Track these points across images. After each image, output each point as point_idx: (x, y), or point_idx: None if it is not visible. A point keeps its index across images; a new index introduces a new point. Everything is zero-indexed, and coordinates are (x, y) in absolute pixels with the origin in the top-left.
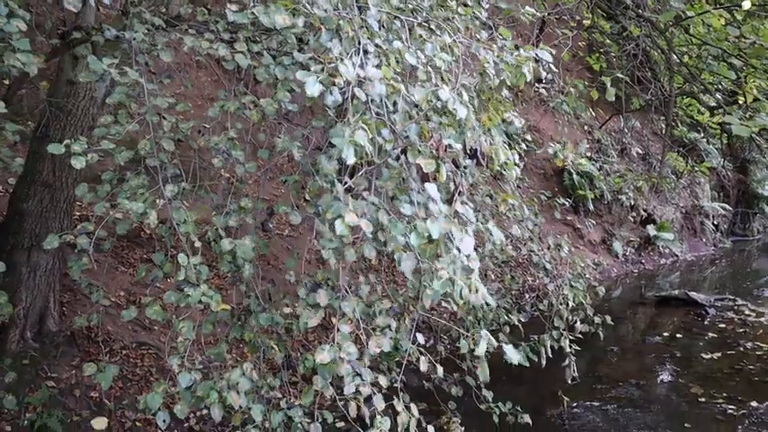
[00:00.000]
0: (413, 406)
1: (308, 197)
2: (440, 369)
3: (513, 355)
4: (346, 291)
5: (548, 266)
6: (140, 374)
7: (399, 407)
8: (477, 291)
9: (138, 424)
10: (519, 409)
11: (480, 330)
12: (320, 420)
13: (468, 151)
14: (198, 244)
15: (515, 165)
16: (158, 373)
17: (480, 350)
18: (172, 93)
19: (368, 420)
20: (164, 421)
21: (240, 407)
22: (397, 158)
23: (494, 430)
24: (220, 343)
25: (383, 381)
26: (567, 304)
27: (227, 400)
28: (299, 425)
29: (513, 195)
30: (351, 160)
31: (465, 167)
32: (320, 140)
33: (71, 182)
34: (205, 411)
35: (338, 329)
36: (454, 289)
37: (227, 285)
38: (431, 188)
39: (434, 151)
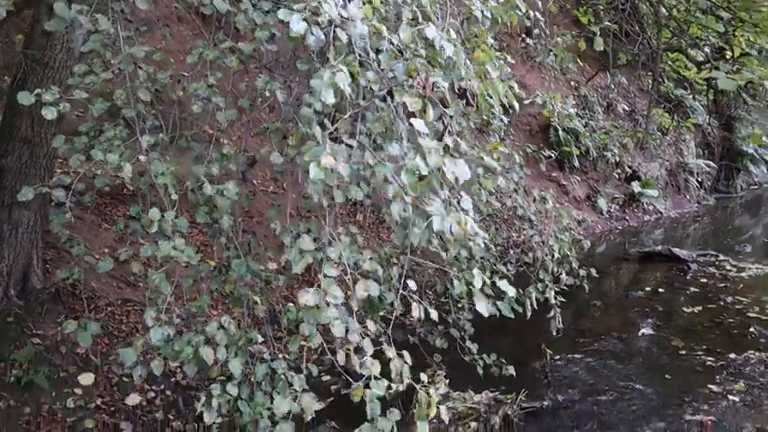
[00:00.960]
0: (405, 353)
1: (290, 143)
2: (433, 313)
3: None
4: (332, 237)
5: (533, 219)
6: (126, 331)
7: (391, 353)
8: (466, 225)
9: (125, 379)
10: (503, 360)
11: (473, 268)
12: (306, 373)
13: (457, 90)
14: (175, 196)
15: (504, 115)
16: (144, 330)
17: (477, 283)
18: (152, 46)
19: (357, 369)
20: (140, 376)
21: (217, 361)
22: (383, 100)
23: (478, 382)
24: (201, 296)
25: (371, 326)
26: (553, 256)
27: (201, 356)
28: (282, 376)
29: (502, 144)
30: (330, 100)
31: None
32: (303, 90)
33: (50, 137)
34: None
35: (324, 274)
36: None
37: (212, 241)
38: (418, 123)
39: (421, 90)
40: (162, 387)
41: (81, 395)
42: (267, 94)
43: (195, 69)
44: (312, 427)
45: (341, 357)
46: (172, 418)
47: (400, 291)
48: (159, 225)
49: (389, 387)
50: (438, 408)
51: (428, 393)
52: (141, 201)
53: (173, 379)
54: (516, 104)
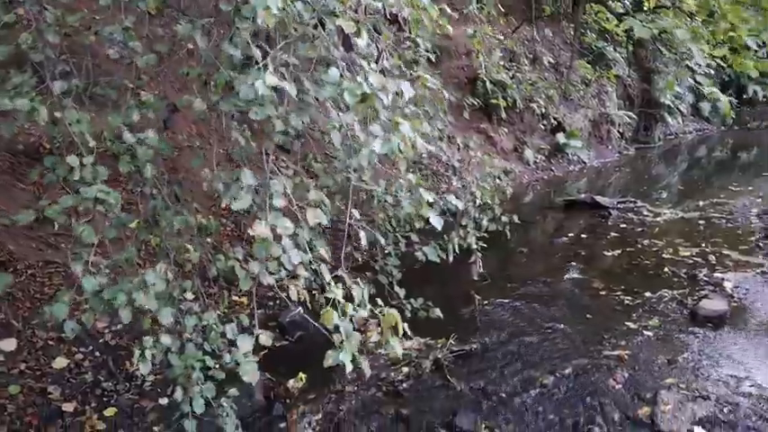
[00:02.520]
0: (359, 281)
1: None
2: (381, 238)
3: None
4: (273, 170)
5: (456, 165)
6: (49, 293)
7: (349, 280)
8: (414, 140)
9: (50, 343)
10: (430, 304)
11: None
12: (237, 324)
13: (389, 16)
14: (93, 143)
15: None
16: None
17: (427, 197)
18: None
19: (308, 305)
20: (72, 330)
21: (150, 310)
22: (315, 27)
23: (410, 329)
24: (128, 247)
25: (324, 253)
26: (475, 202)
27: (136, 303)
28: (214, 326)
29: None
30: (261, 19)
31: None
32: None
33: None
34: (120, 326)
35: (270, 206)
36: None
37: (136, 195)
38: (360, 43)
39: (354, 13)
40: (90, 348)
41: (3, 361)
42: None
43: (107, 13)
44: None
45: (293, 293)
46: (102, 378)
47: (347, 221)
48: (79, 173)
49: (355, 310)
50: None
51: (391, 314)
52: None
53: (101, 340)
54: (450, 29)
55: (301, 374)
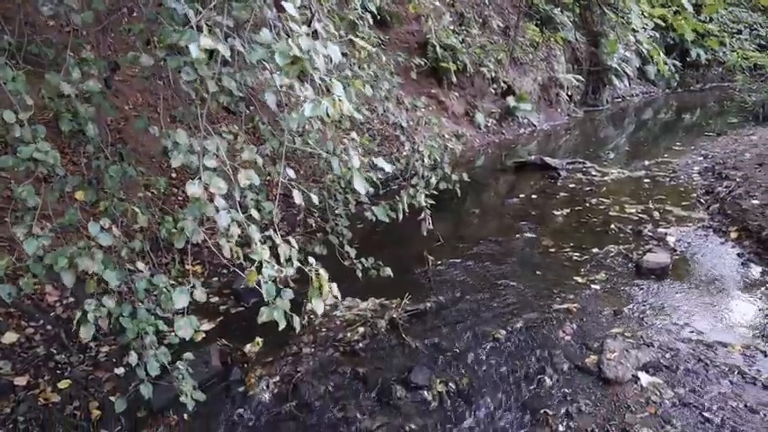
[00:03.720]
0: (291, 239)
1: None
2: (314, 197)
3: (379, 213)
4: (208, 131)
5: (404, 125)
6: None
7: (278, 239)
8: (341, 104)
9: None
10: (380, 263)
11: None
12: (190, 287)
13: None
14: (30, 101)
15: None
16: (9, 251)
17: (355, 163)
18: None
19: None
20: (9, 294)
21: (95, 273)
22: None
23: (364, 292)
24: (70, 209)
25: (255, 214)
26: (423, 161)
27: (79, 266)
28: (165, 289)
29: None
30: None
31: None
32: None
33: None
34: (72, 299)
35: (203, 167)
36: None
37: (82, 167)
38: (288, 6)
39: None
40: (41, 322)
41: None
42: None
43: None
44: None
45: (226, 251)
46: (55, 351)
47: (281, 180)
48: (19, 131)
49: (280, 270)
50: (330, 286)
51: (318, 274)
52: None
53: (52, 313)
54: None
55: (258, 339)
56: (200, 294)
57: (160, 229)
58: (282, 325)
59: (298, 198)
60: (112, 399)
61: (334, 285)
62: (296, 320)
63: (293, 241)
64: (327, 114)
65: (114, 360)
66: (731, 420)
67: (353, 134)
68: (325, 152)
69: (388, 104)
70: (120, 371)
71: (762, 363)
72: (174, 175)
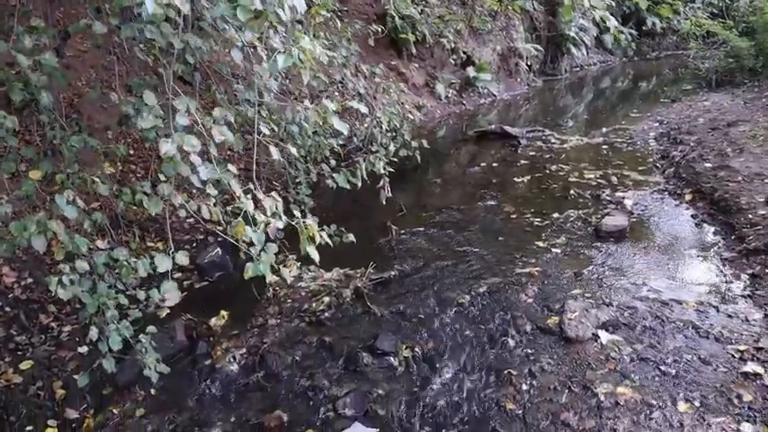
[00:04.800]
0: (273, 193)
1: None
2: (292, 150)
3: (340, 180)
4: (175, 91)
5: (361, 91)
6: None
7: (260, 194)
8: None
9: None
10: (343, 230)
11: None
12: (149, 261)
13: None
14: None
15: None
16: None
17: (331, 107)
18: None
19: (222, 221)
20: None
21: (62, 241)
22: None
23: (328, 262)
24: (27, 180)
25: (233, 168)
26: (382, 128)
27: (48, 232)
28: (126, 263)
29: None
30: None
31: None
32: None
33: None
34: (30, 280)
35: (174, 127)
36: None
37: (31, 126)
38: None
39: None
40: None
41: None
42: None
43: None
44: None
45: (205, 212)
46: (15, 332)
47: (256, 135)
48: None
49: (267, 223)
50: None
51: (306, 224)
52: None
53: (10, 295)
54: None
55: (223, 312)
56: (182, 258)
57: (118, 203)
58: (270, 279)
59: (275, 154)
60: (76, 377)
61: (324, 234)
62: (285, 272)
63: (276, 195)
64: (300, 60)
65: (77, 339)
66: (686, 372)
67: (325, 101)
68: (288, 119)
69: (346, 71)
70: (83, 350)
71: (714, 317)
72: (131, 152)
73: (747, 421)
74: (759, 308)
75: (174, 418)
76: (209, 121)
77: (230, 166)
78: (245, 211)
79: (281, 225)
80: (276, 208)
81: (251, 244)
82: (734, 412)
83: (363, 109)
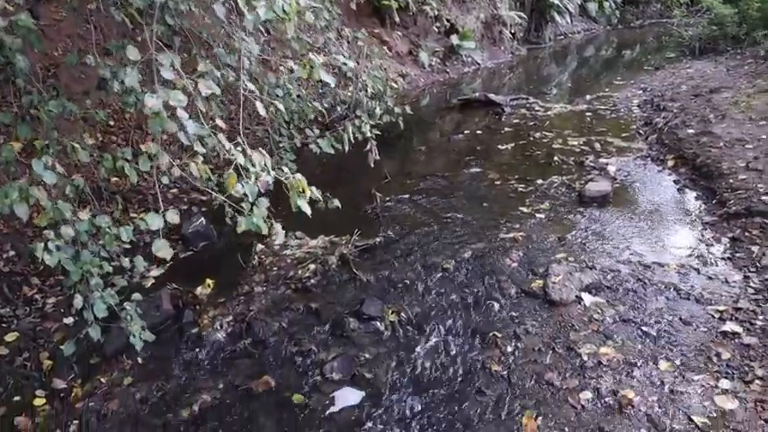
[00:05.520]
0: (261, 150)
1: None
2: (281, 106)
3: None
4: (159, 47)
5: (345, 54)
6: None
7: (249, 150)
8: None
9: None
10: (329, 195)
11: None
12: (132, 228)
13: None
14: None
15: None
16: None
17: (317, 60)
18: None
19: (211, 178)
20: None
21: (45, 208)
22: None
23: (314, 229)
24: (6, 146)
25: (221, 122)
26: (366, 91)
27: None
28: (108, 230)
29: None
30: None
31: None
32: None
33: None
34: (12, 252)
35: (159, 81)
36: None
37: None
38: None
39: None
40: None
41: None
42: None
43: None
44: None
45: (194, 170)
46: None
47: (242, 93)
48: None
49: (257, 176)
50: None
51: (296, 178)
52: None
53: None
54: None
55: (209, 281)
56: (173, 216)
57: (99, 170)
58: (264, 230)
59: (261, 110)
60: (63, 347)
61: (314, 188)
62: (277, 227)
63: (264, 151)
64: (284, 11)
65: (62, 311)
66: (667, 332)
67: (311, 55)
68: (272, 83)
69: (329, 35)
70: (68, 321)
71: (695, 279)
72: (111, 123)
73: (726, 378)
74: (738, 270)
75: (163, 385)
76: (195, 77)
77: (219, 121)
78: (236, 164)
79: (270, 179)
80: (265, 162)
81: (242, 199)
82: (713, 370)
83: (351, 64)
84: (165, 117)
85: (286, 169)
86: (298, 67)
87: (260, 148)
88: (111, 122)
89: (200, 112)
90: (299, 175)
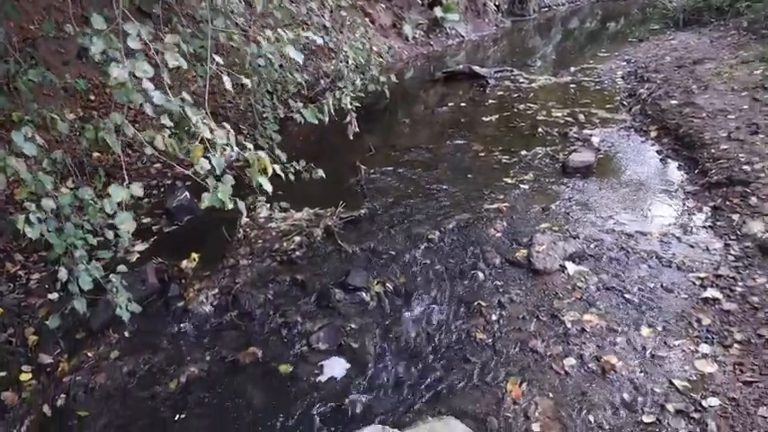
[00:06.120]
0: (226, 124)
1: None
2: (246, 80)
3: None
4: (126, 16)
5: (327, 25)
6: None
7: (212, 123)
8: None
9: None
10: (312, 165)
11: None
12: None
13: None
14: None
15: None
16: None
17: (286, 35)
18: None
19: (178, 152)
20: None
21: (24, 180)
22: None
23: (298, 202)
24: None
25: (188, 96)
26: (348, 62)
27: (8, 171)
28: (91, 202)
29: None
30: None
31: None
32: None
33: None
34: None
35: (126, 52)
36: None
37: None
38: None
39: None
40: None
41: None
42: None
43: None
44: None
45: (159, 143)
46: None
47: (209, 65)
48: None
49: (223, 148)
50: (273, 167)
51: (257, 155)
52: None
53: None
54: None
55: (194, 255)
56: (138, 189)
57: (81, 141)
58: (229, 206)
59: (227, 83)
60: (48, 322)
61: (277, 167)
62: (240, 205)
63: (228, 126)
64: None
65: (46, 286)
66: (649, 299)
67: (279, 30)
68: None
69: (312, 4)
70: (53, 296)
71: (676, 247)
72: (92, 97)
73: (705, 342)
74: (719, 238)
75: (150, 358)
76: (162, 49)
77: (185, 94)
78: (202, 138)
79: (233, 155)
80: (228, 138)
81: (207, 175)
82: (693, 335)
83: (326, 39)
84: (131, 88)
85: (249, 145)
86: (266, 42)
87: (224, 124)
88: (92, 97)
89: (167, 84)
90: (261, 153)
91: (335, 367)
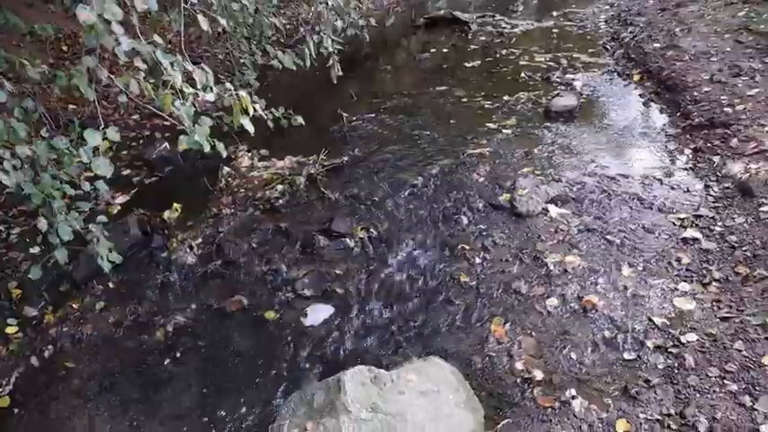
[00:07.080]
0: (204, 65)
1: None
2: (222, 21)
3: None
4: None
5: None
6: None
7: (189, 65)
8: None
9: None
10: (291, 112)
11: None
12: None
13: None
14: None
15: None
16: None
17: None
18: None
19: (155, 98)
20: None
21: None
22: None
23: (280, 152)
24: None
25: (159, 39)
26: (328, 4)
27: None
28: (66, 151)
29: None
30: None
31: None
32: None
33: None
34: None
35: None
36: None
37: None
38: None
39: None
40: None
41: None
42: None
43: None
44: None
45: (134, 88)
46: None
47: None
48: None
49: (197, 94)
50: (254, 108)
51: (239, 96)
52: None
53: None
54: None
55: (176, 205)
56: (114, 134)
57: (53, 89)
58: (207, 148)
59: (204, 24)
60: (30, 273)
61: (258, 105)
62: (219, 147)
63: (206, 67)
64: None
65: (27, 240)
66: (630, 240)
67: None
68: None
69: None
70: (35, 250)
71: (657, 190)
72: (65, 48)
73: (685, 281)
74: (700, 179)
75: (136, 309)
76: None
77: (156, 37)
78: (173, 85)
79: (211, 97)
80: (206, 80)
81: (185, 118)
82: (673, 274)
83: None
84: (102, 30)
85: (229, 85)
86: None
87: (203, 65)
88: (65, 48)
89: (137, 27)
90: (242, 92)
91: (321, 313)
